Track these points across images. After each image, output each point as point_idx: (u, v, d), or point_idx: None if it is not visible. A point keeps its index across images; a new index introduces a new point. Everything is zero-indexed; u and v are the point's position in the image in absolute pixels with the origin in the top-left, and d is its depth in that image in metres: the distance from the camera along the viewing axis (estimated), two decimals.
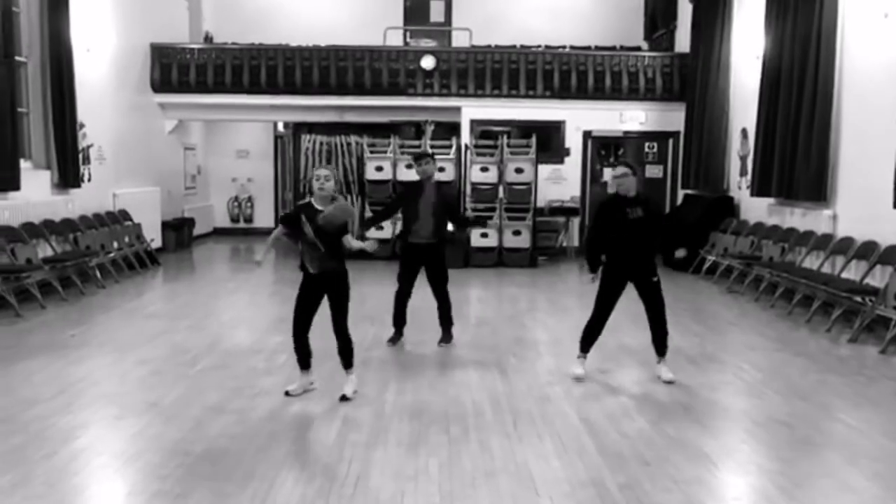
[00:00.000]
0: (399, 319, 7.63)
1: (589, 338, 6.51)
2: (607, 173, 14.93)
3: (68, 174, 10.79)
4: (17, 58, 9.93)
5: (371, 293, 10.64)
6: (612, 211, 6.30)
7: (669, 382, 6.30)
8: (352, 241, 5.71)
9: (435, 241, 7.43)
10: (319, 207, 5.65)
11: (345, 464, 4.61)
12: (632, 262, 6.28)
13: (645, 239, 6.26)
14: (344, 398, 5.79)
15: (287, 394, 5.83)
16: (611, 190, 6.36)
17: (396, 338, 7.62)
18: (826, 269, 9.31)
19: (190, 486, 4.27)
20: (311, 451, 4.87)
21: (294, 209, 5.83)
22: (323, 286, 5.76)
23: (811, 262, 9.70)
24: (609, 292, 6.32)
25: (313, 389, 5.95)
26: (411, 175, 13.43)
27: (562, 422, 5.45)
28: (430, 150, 8.61)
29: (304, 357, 5.88)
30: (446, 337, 7.61)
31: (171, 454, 4.75)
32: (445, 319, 7.63)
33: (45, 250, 9.95)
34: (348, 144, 13.91)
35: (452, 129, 14.70)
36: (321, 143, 13.91)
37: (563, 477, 4.50)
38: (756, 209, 11.64)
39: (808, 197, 9.79)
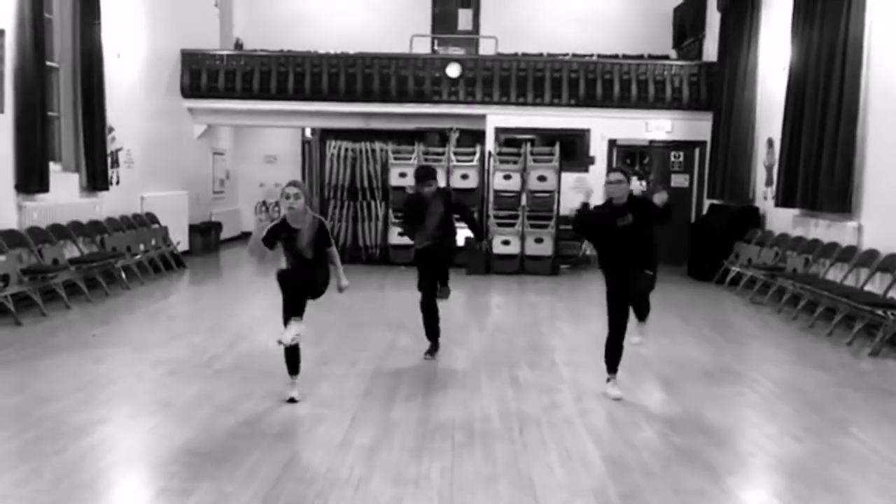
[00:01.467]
0: (432, 330, 7.38)
1: (611, 357, 6.29)
2: (633, 183, 14.86)
3: (97, 177, 11.00)
4: (49, 63, 10.17)
5: (391, 298, 10.74)
6: (601, 219, 6.12)
7: (637, 345, 6.30)
8: (342, 279, 5.91)
9: (439, 240, 7.22)
10: (296, 226, 5.67)
11: (347, 467, 4.65)
12: (628, 270, 6.06)
13: (637, 245, 6.02)
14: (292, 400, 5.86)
15: (293, 400, 5.85)
16: (604, 198, 6.18)
17: (434, 349, 7.39)
18: (850, 281, 9.18)
19: (194, 485, 4.34)
20: (316, 453, 4.91)
21: (269, 234, 5.67)
22: (307, 291, 5.81)
23: (835, 274, 9.56)
24: (617, 306, 6.16)
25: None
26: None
27: (568, 430, 5.43)
28: (431, 165, 8.42)
29: (297, 363, 5.93)
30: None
31: (180, 453, 4.83)
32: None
33: (71, 251, 10.15)
34: (373, 151, 13.98)
35: (477, 137, 14.75)
36: (346, 150, 14.01)
37: (565, 484, 4.50)
38: (781, 220, 11.50)
39: (833, 208, 9.65)
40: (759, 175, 12.61)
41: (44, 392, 5.98)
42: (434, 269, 7.32)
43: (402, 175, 13.56)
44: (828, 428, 5.68)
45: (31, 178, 9.48)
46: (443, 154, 13.83)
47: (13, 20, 9.19)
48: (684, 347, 8.00)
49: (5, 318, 8.26)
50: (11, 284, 8.48)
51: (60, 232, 9.97)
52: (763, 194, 12.43)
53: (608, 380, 6.30)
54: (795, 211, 10.95)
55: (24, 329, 8.10)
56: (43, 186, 9.68)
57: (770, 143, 12.06)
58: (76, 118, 10.73)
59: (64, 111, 10.73)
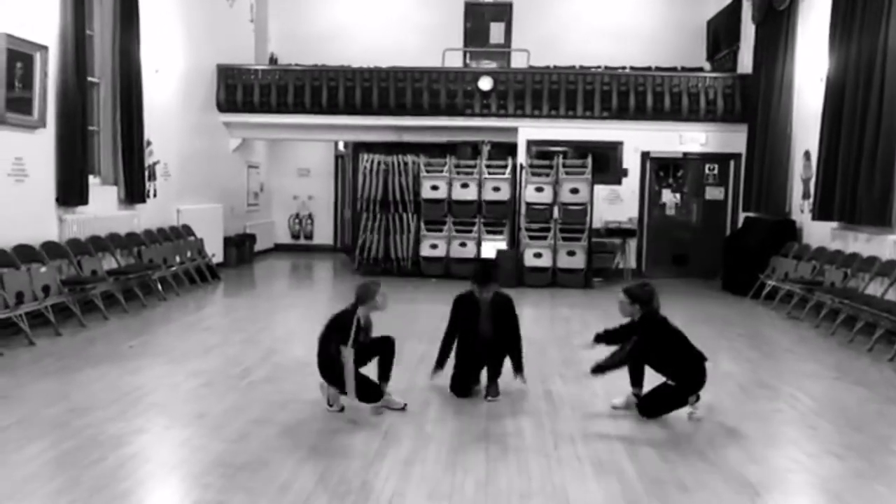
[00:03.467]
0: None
1: (631, 373, 6.28)
2: (666, 194, 14.84)
3: (134, 190, 11.19)
4: (89, 78, 10.38)
5: (423, 310, 10.74)
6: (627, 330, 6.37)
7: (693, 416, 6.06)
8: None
9: (492, 338, 6.54)
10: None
11: (381, 480, 4.65)
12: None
13: (659, 365, 6.12)
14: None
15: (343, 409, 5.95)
16: None
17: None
18: (891, 296, 8.99)
19: (228, 497, 4.37)
20: (350, 465, 4.91)
21: (352, 329, 5.84)
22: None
23: (874, 288, 9.38)
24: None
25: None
26: (466, 194, 13.67)
27: (603, 444, 5.38)
28: (492, 263, 7.12)
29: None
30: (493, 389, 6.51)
31: (214, 464, 4.86)
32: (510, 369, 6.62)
33: (109, 263, 10.32)
34: (405, 164, 14.04)
35: (509, 150, 14.76)
36: (378, 163, 14.10)
37: (600, 500, 4.45)
38: (818, 233, 11.32)
39: (872, 221, 9.49)
40: (796, 188, 12.43)
41: (82, 402, 6.06)
42: (480, 365, 6.55)
43: (434, 188, 13.64)
44: (870, 445, 5.55)
45: (71, 191, 9.67)
46: (475, 167, 13.87)
47: (56, 37, 9.40)
48: (720, 362, 7.86)
49: (46, 328, 8.41)
50: (52, 295, 8.63)
51: (99, 244, 10.14)
52: (800, 207, 12.25)
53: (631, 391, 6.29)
54: (833, 224, 10.78)
55: (63, 339, 8.24)
56: (83, 199, 9.87)
57: (807, 155, 11.90)
58: (115, 132, 10.94)
59: (104, 126, 10.95)
